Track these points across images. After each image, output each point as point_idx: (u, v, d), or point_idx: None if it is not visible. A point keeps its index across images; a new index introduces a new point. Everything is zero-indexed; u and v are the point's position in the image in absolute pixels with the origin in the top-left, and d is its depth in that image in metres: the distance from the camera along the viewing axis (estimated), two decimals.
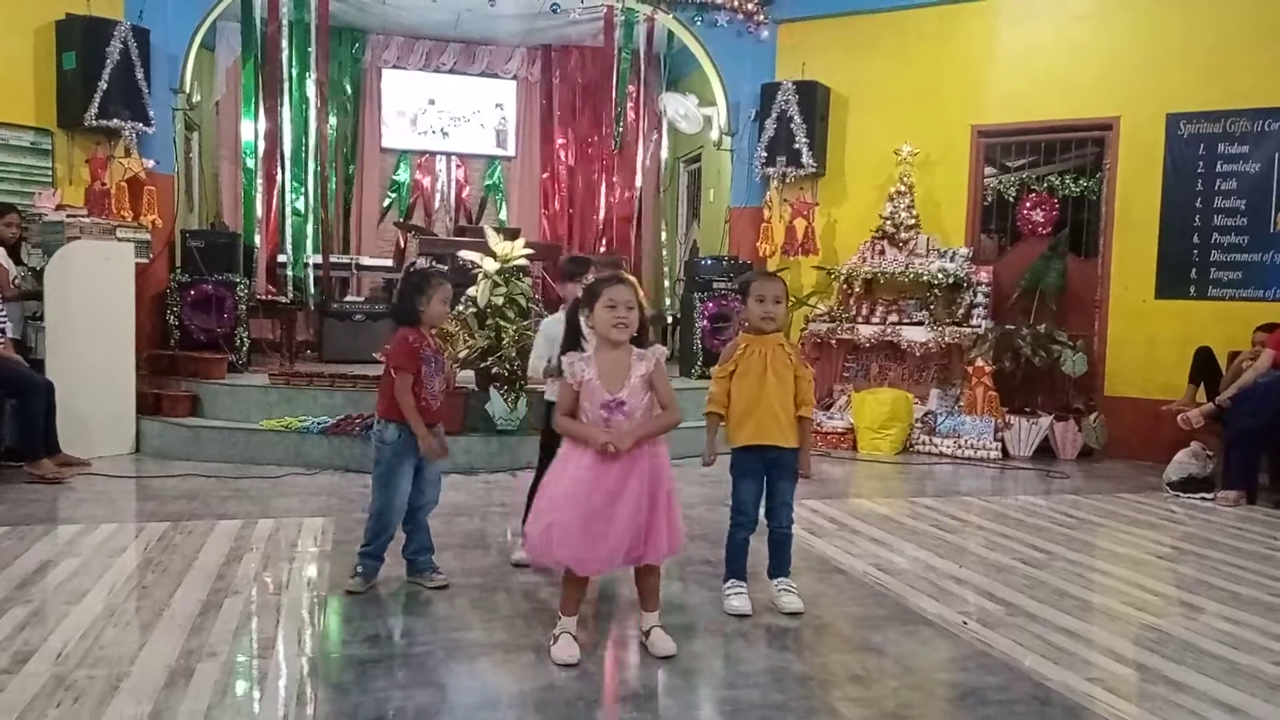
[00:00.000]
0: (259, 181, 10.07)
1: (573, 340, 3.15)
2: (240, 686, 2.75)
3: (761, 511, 3.57)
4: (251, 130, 10.01)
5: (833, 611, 3.58)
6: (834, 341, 8.13)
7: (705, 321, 7.99)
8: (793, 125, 8.32)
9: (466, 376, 6.61)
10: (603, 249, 10.10)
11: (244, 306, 7.59)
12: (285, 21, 9.78)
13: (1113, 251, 7.64)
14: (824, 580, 3.96)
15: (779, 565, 3.62)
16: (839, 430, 7.59)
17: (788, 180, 8.45)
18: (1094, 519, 5.39)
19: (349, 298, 9.50)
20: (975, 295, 7.76)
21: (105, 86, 6.87)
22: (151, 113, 7.18)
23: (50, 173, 6.99)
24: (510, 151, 11.70)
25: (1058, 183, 7.94)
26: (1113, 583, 4.12)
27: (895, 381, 7.98)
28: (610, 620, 3.41)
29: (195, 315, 7.35)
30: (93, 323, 6.24)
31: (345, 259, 10.14)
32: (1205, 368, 6.77)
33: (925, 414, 7.61)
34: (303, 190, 10.34)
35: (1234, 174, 7.19)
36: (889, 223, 8.06)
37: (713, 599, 3.64)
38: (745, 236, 8.75)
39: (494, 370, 6.31)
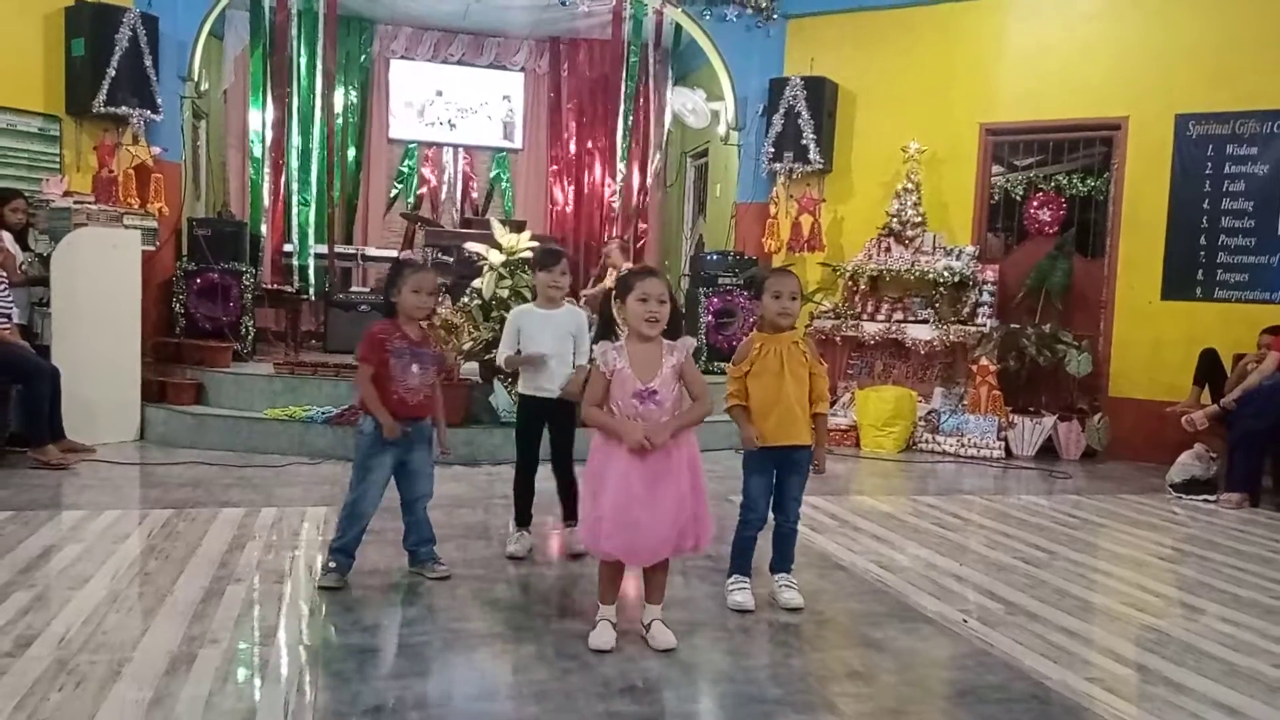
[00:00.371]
0: (266, 170, 10.09)
1: (606, 330, 3.17)
2: (241, 673, 2.76)
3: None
4: (259, 119, 10.03)
5: (833, 608, 3.59)
6: (839, 338, 8.12)
7: (710, 317, 7.99)
8: (800, 121, 8.30)
9: (470, 369, 6.62)
10: (610, 239, 10.09)
11: (249, 295, 7.61)
12: (294, 10, 9.79)
13: (1119, 252, 7.62)
14: (825, 576, 3.97)
15: (781, 561, 3.62)
16: (842, 427, 7.58)
17: (794, 176, 8.44)
18: (1096, 519, 5.39)
19: (354, 288, 9.51)
20: (981, 294, 7.75)
21: (114, 73, 6.87)
22: (159, 100, 7.18)
23: (58, 159, 7.00)
24: (517, 144, 11.71)
25: (1065, 182, 7.92)
26: (1114, 583, 4.11)
27: (899, 379, 7.97)
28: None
29: (201, 303, 7.37)
30: (99, 309, 6.26)
31: (351, 249, 10.16)
32: (1210, 370, 6.76)
33: (929, 412, 7.61)
34: (309, 180, 10.36)
35: (1242, 175, 7.17)
36: (895, 220, 8.05)
37: (713, 593, 3.64)
38: (751, 232, 8.74)
39: (499, 362, 6.30)
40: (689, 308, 8.26)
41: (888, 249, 8.09)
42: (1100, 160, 7.85)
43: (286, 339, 8.55)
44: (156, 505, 4.76)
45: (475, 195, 11.71)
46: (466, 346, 6.24)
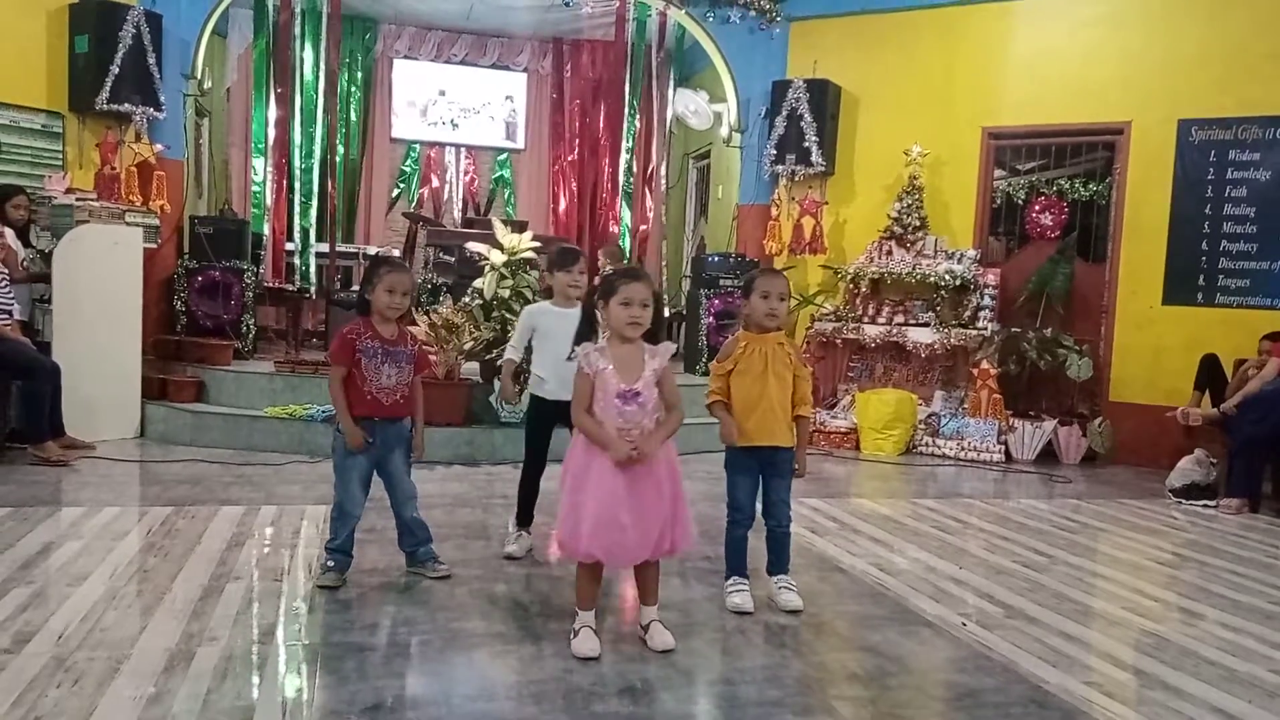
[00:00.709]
0: (268, 169, 10.09)
1: (587, 331, 3.16)
2: (239, 671, 2.76)
3: (759, 509, 3.57)
4: (262, 117, 10.02)
5: (832, 610, 3.59)
6: (839, 341, 8.12)
7: (711, 318, 7.99)
8: (803, 123, 8.30)
9: (471, 368, 6.62)
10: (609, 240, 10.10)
11: (251, 293, 7.61)
12: (298, 9, 9.79)
13: (1121, 256, 7.62)
14: (824, 579, 3.97)
15: (778, 563, 3.62)
16: (842, 430, 7.58)
17: (797, 178, 8.44)
18: (1096, 524, 5.38)
19: (355, 287, 9.50)
20: (982, 297, 7.75)
21: (117, 71, 6.87)
22: (163, 98, 7.18)
23: (60, 156, 7.00)
24: (519, 144, 11.71)
25: (1067, 186, 7.92)
26: (1113, 588, 4.11)
27: (900, 382, 7.97)
28: (609, 614, 3.41)
29: (202, 301, 7.37)
30: (100, 306, 6.26)
31: (353, 248, 10.17)
32: (1211, 375, 6.76)
33: (929, 415, 7.61)
34: (311, 178, 10.36)
35: (1244, 181, 7.16)
36: (897, 223, 8.05)
37: (711, 595, 3.64)
38: (753, 234, 8.73)
39: (499, 362, 6.31)
40: (690, 309, 8.26)
41: (889, 252, 8.09)
42: (1102, 165, 7.85)
43: (287, 337, 8.55)
44: (156, 503, 4.76)
45: (477, 195, 11.71)
46: (467, 346, 6.24)
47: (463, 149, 11.63)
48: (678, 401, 3.10)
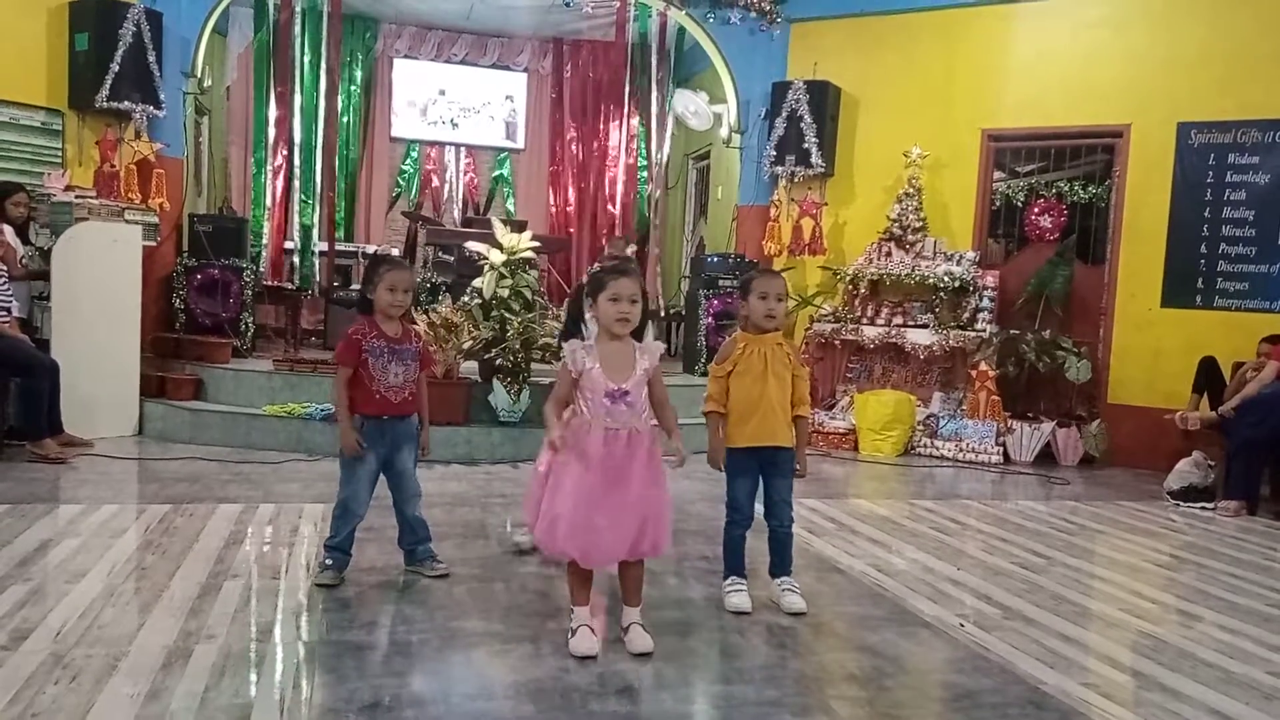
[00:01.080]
0: (268, 168, 10.09)
1: (574, 329, 3.15)
2: (237, 670, 2.76)
3: (760, 510, 3.57)
4: (262, 116, 10.03)
5: (830, 611, 3.59)
6: (838, 342, 8.13)
7: (710, 319, 7.99)
8: (803, 125, 8.30)
9: (470, 368, 6.62)
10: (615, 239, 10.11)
11: (250, 292, 7.61)
12: (298, 8, 9.80)
13: (1120, 259, 7.63)
14: (822, 580, 3.97)
15: (780, 565, 3.62)
16: (840, 431, 7.59)
17: (796, 179, 8.44)
18: (1093, 525, 5.39)
19: (354, 285, 9.51)
20: (981, 299, 7.75)
21: (117, 68, 6.87)
22: (162, 96, 7.18)
23: (60, 153, 7.00)
24: (519, 144, 11.72)
25: (1066, 189, 7.92)
26: (1111, 589, 4.12)
27: (898, 383, 7.98)
28: (608, 614, 3.41)
29: (201, 299, 7.37)
30: (99, 304, 6.25)
31: (352, 247, 10.17)
32: (1209, 378, 6.77)
33: (927, 417, 7.61)
34: (311, 177, 10.36)
35: (1243, 184, 7.17)
36: (896, 225, 8.06)
37: (709, 594, 3.64)
38: (752, 235, 8.74)
39: (498, 362, 6.32)
40: (689, 309, 8.26)
41: (888, 253, 8.10)
42: (1102, 167, 7.86)
43: (286, 336, 8.55)
44: (154, 500, 4.76)
45: (477, 195, 11.71)
46: (466, 345, 6.24)
47: (462, 148, 11.63)
48: (667, 400, 3.12)
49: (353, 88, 10.84)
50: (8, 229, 6.14)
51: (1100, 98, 7.59)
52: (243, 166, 10.28)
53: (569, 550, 2.96)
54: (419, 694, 2.66)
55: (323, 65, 10.19)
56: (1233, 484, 5.95)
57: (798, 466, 3.53)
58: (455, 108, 11.45)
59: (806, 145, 8.30)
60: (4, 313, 5.71)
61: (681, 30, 9.83)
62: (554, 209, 11.68)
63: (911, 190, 8.04)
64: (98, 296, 6.25)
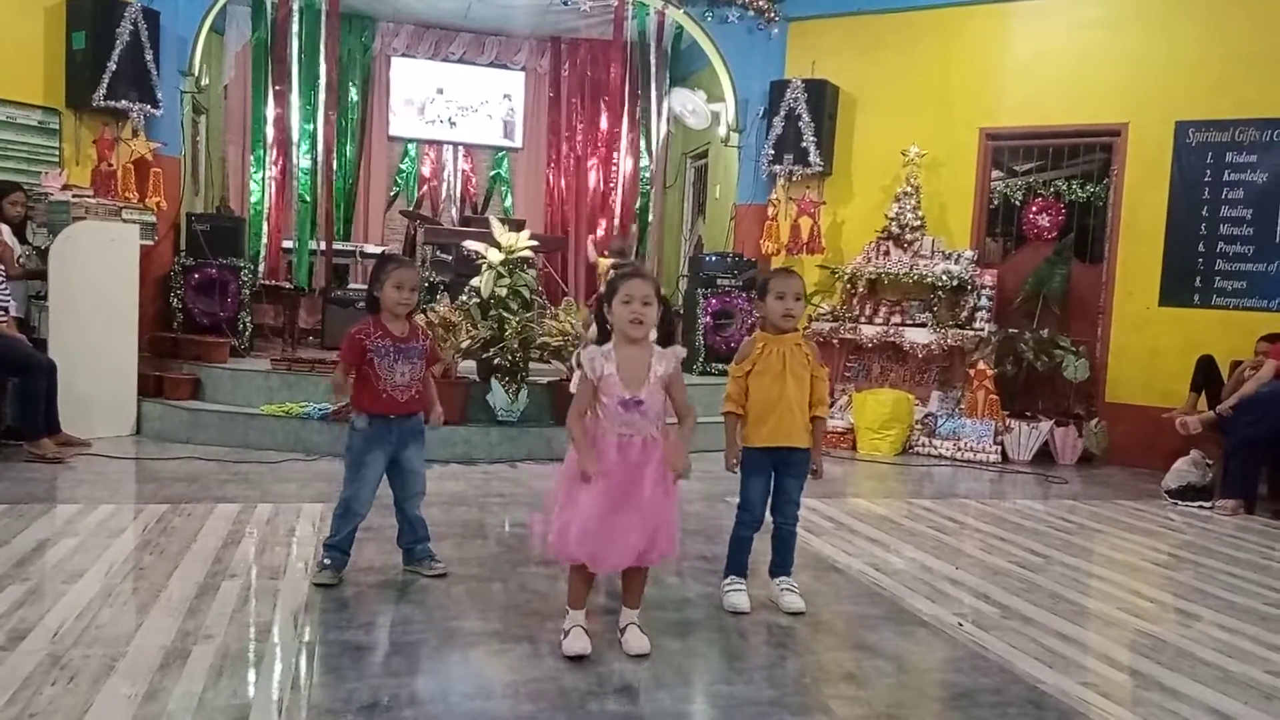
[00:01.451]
0: (266, 167, 10.08)
1: (601, 336, 3.12)
2: (235, 670, 2.75)
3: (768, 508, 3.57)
4: (259, 115, 10.01)
5: (828, 610, 3.59)
6: (836, 341, 8.13)
7: (708, 318, 7.99)
8: (801, 123, 8.30)
9: (468, 367, 6.62)
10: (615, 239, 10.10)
11: (247, 291, 7.60)
12: (295, 6, 9.78)
13: (1118, 258, 7.63)
14: (820, 579, 3.97)
15: (781, 564, 3.62)
16: (839, 430, 7.59)
17: (794, 178, 8.44)
18: (1092, 524, 5.39)
19: (353, 285, 9.50)
20: (979, 298, 7.76)
21: (114, 67, 6.86)
22: (160, 95, 7.17)
23: (57, 152, 6.99)
24: (517, 143, 11.70)
25: (1064, 188, 7.93)
26: (1109, 588, 4.12)
27: (896, 382, 7.98)
28: (606, 614, 3.41)
29: (198, 299, 7.36)
30: (96, 303, 6.24)
31: (350, 246, 10.16)
32: (1207, 376, 6.77)
33: (925, 416, 7.61)
34: (309, 176, 10.35)
35: (1241, 183, 7.18)
36: (894, 224, 8.06)
37: (709, 594, 3.64)
38: (750, 234, 8.73)
39: (496, 361, 6.32)
40: (687, 308, 8.27)
41: (886, 252, 8.10)
42: (1100, 166, 7.86)
43: (283, 335, 8.54)
44: (152, 500, 4.76)
45: (475, 194, 11.70)
46: (464, 345, 6.24)
47: (460, 147, 11.62)
48: (687, 408, 3.06)
49: (350, 86, 10.82)
50: (5, 228, 6.14)
51: (1098, 97, 7.59)
52: (240, 165, 10.27)
53: (579, 555, 2.94)
54: (417, 694, 2.66)
55: (320, 64, 10.17)
56: (1230, 483, 5.96)
57: (814, 467, 3.53)
58: (453, 106, 11.43)
59: (804, 144, 8.30)
60: (1, 312, 5.71)
61: (679, 29, 9.82)
62: (551, 208, 11.67)
63: (909, 189, 8.04)
64: (95, 296, 6.24)
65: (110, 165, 6.94)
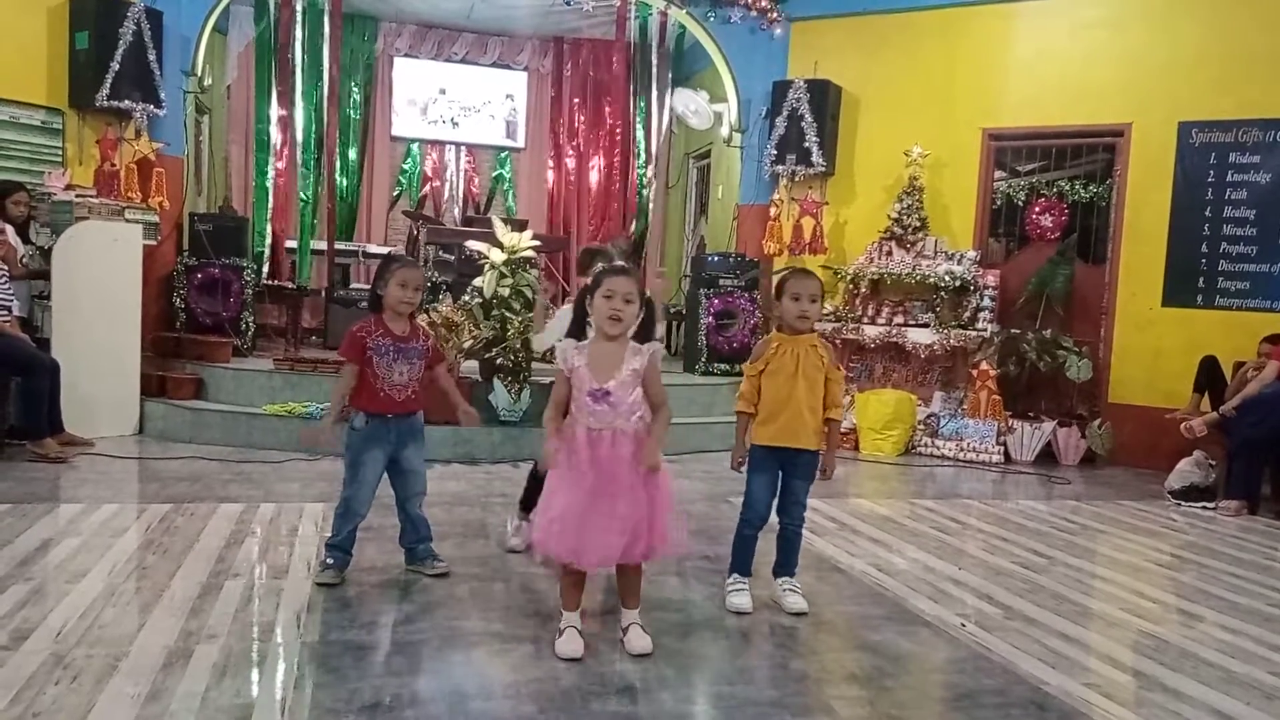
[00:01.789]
0: (268, 167, 10.08)
1: (577, 329, 3.14)
2: (238, 669, 2.76)
3: (773, 508, 3.57)
4: (262, 115, 10.02)
5: (831, 610, 3.58)
6: (839, 341, 8.11)
7: (710, 318, 7.99)
8: (803, 124, 8.29)
9: (471, 367, 6.62)
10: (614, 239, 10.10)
11: (250, 291, 7.60)
12: (298, 6, 9.79)
13: (1121, 258, 7.62)
14: (823, 579, 3.96)
15: (785, 564, 3.61)
16: (841, 430, 7.57)
17: (797, 179, 8.44)
18: (1095, 525, 5.38)
19: (355, 285, 9.50)
20: (982, 298, 7.75)
21: (117, 67, 6.87)
22: (163, 95, 7.18)
23: (60, 152, 7.00)
24: (519, 143, 11.71)
25: (1067, 188, 7.92)
26: (1112, 589, 4.11)
27: (899, 383, 7.97)
28: (608, 614, 3.41)
29: (201, 298, 7.37)
30: (99, 303, 6.25)
31: (353, 246, 10.16)
32: (1210, 377, 6.76)
33: (928, 416, 7.61)
34: (311, 176, 10.35)
35: (1244, 184, 7.17)
36: (897, 224, 8.05)
37: (710, 594, 3.64)
38: (753, 234, 8.73)
39: (498, 361, 6.32)
40: (690, 309, 8.26)
41: (889, 252, 8.09)
42: (1103, 167, 7.85)
43: (286, 335, 8.55)
44: (154, 500, 4.76)
45: (477, 194, 11.71)
46: (467, 345, 6.24)
47: (463, 147, 11.62)
48: (663, 401, 3.05)
49: (353, 87, 10.83)
50: (8, 228, 6.13)
51: (1101, 97, 7.59)
52: (243, 165, 10.27)
53: (560, 552, 2.95)
54: (419, 693, 2.66)
55: (324, 64, 10.18)
56: (1234, 483, 5.95)
57: (824, 468, 3.52)
58: (455, 107, 11.44)
59: (807, 144, 8.29)
60: (4, 312, 5.71)
61: (682, 29, 9.82)
62: (554, 208, 11.67)
63: (912, 189, 8.04)
64: (98, 296, 6.25)
65: (113, 165, 6.94)
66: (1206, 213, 7.29)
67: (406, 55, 11.20)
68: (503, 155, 11.74)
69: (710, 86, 9.65)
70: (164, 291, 7.36)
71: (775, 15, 8.56)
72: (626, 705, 2.66)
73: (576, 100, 11.57)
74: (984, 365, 7.42)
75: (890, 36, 8.37)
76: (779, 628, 3.35)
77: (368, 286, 9.64)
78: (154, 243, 6.99)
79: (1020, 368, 7.52)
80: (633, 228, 11.03)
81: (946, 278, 7.72)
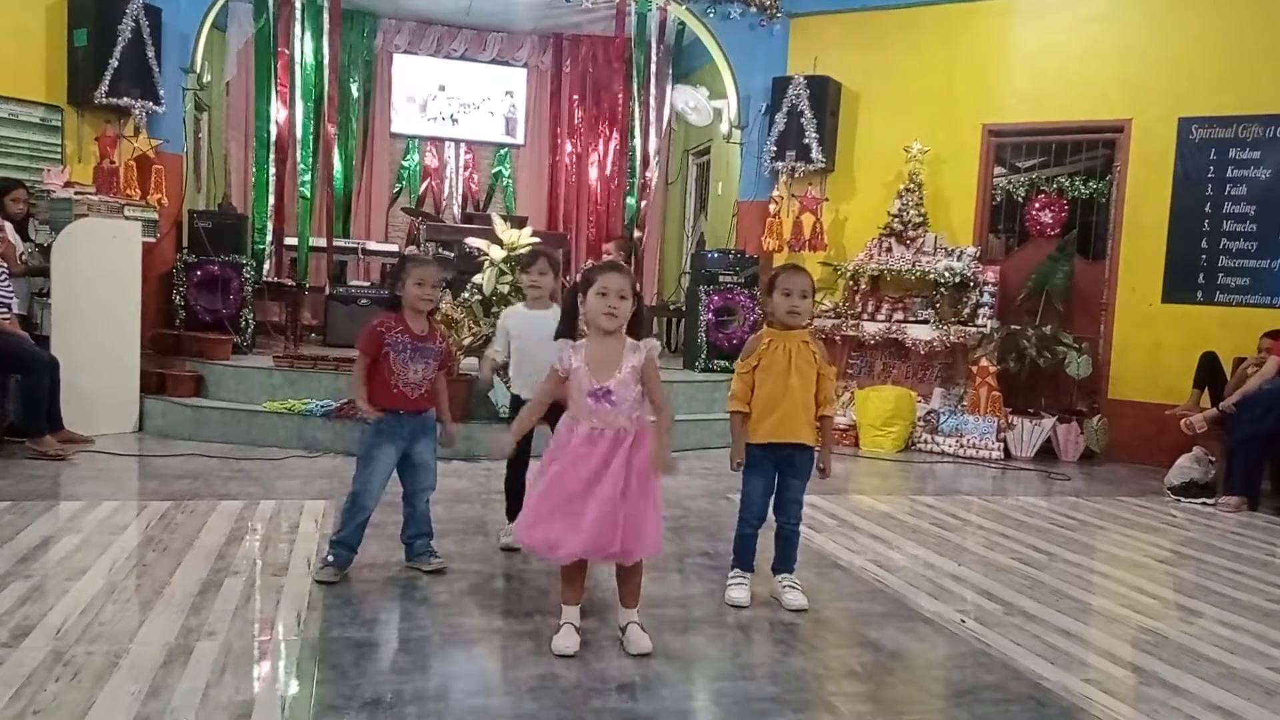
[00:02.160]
0: (268, 164, 10.07)
1: (566, 329, 3.14)
2: (238, 666, 2.76)
3: (770, 506, 3.57)
4: (261, 112, 10.00)
5: (831, 607, 3.59)
6: (839, 338, 8.12)
7: (710, 315, 7.99)
8: (803, 120, 8.29)
9: (470, 364, 6.61)
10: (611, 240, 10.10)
11: (250, 288, 7.60)
12: (297, 3, 9.77)
13: (1121, 254, 7.62)
14: (823, 575, 3.97)
15: (784, 561, 3.61)
16: (841, 427, 7.57)
17: (797, 175, 8.43)
18: (1094, 521, 5.39)
19: (354, 282, 9.50)
20: (981, 295, 7.74)
21: (116, 64, 6.85)
22: (162, 92, 7.17)
23: (59, 149, 6.99)
24: (519, 139, 11.70)
25: (1067, 184, 7.91)
26: (1112, 585, 4.12)
27: (899, 379, 7.97)
28: (609, 610, 3.41)
29: (201, 296, 7.37)
30: (98, 300, 6.25)
31: (352, 243, 10.16)
32: (1210, 373, 6.76)
33: (928, 412, 7.61)
34: (311, 173, 10.34)
35: (1244, 179, 7.16)
36: (897, 220, 8.05)
37: (710, 591, 3.64)
38: (753, 230, 8.73)
39: (486, 353, 6.31)
40: (689, 306, 8.25)
41: (889, 249, 8.09)
42: (1103, 163, 7.85)
43: (286, 332, 8.54)
44: (154, 497, 4.76)
45: (477, 190, 11.70)
46: (466, 341, 6.24)
47: (462, 144, 11.62)
48: (662, 400, 3.06)
49: (352, 83, 10.82)
50: (7, 226, 6.13)
51: (1101, 93, 7.58)
52: (242, 162, 10.27)
53: (535, 544, 2.97)
54: (420, 690, 2.66)
55: (323, 61, 10.17)
56: (1233, 479, 5.95)
57: (821, 466, 3.52)
58: (455, 103, 11.43)
59: (807, 140, 8.28)
60: (4, 309, 5.71)
61: (681, 25, 9.80)
62: (553, 205, 11.66)
63: (912, 185, 8.03)
64: (97, 293, 6.24)
65: (112, 162, 6.93)
66: (1206, 209, 7.29)
67: (406, 52, 11.19)
68: (502, 152, 11.73)
69: (710, 83, 9.64)
70: (163, 289, 7.35)
71: (775, 11, 8.56)
72: (626, 701, 2.66)
73: (576, 97, 11.56)
74: (984, 361, 7.41)
75: (890, 32, 8.37)
76: (779, 624, 3.36)
77: (367, 284, 9.70)
78: (153, 240, 6.99)
79: (1020, 364, 7.52)
80: (624, 227, 11.01)
81: (946, 274, 7.71)
